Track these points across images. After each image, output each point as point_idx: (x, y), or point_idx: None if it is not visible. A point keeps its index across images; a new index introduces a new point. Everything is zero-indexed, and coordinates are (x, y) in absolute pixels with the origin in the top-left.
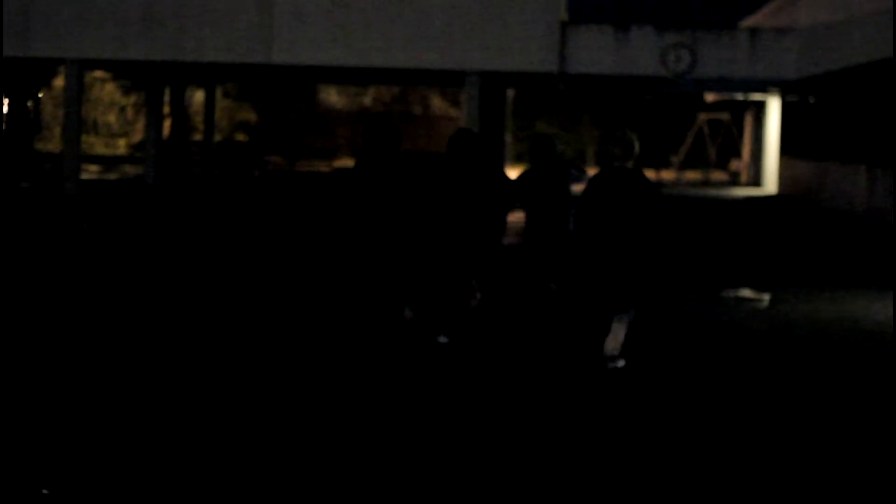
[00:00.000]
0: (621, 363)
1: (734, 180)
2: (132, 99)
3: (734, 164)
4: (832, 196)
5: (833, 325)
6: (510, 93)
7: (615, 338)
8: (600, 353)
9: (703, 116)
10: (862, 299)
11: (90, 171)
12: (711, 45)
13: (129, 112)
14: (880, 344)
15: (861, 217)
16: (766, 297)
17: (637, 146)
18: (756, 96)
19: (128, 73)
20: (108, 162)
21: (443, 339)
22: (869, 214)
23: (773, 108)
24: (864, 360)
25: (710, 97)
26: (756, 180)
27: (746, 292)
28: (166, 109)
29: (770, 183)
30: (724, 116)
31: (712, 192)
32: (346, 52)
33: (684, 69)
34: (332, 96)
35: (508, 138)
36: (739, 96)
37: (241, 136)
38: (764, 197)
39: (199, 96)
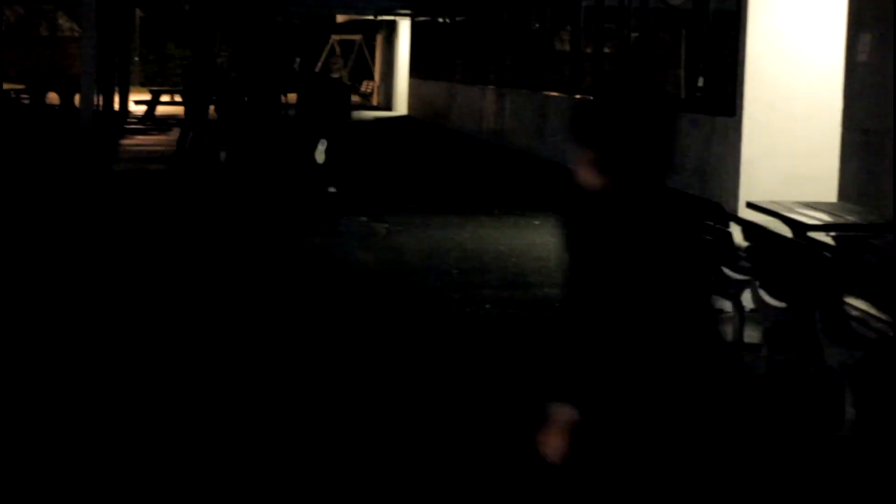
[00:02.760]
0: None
1: (366, 102)
2: None
3: (366, 86)
4: (460, 118)
5: (439, 251)
6: (139, 15)
7: None
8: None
9: (334, 38)
10: (481, 224)
11: None
12: None
13: None
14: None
15: (487, 140)
16: (384, 226)
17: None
18: (388, 17)
19: None
20: None
21: None
22: (496, 136)
23: (404, 30)
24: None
25: (341, 17)
26: (388, 102)
27: (364, 220)
28: None
29: (401, 105)
30: (357, 38)
31: None
32: None
33: None
34: None
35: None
36: (371, 16)
37: None
38: (394, 118)
39: None
